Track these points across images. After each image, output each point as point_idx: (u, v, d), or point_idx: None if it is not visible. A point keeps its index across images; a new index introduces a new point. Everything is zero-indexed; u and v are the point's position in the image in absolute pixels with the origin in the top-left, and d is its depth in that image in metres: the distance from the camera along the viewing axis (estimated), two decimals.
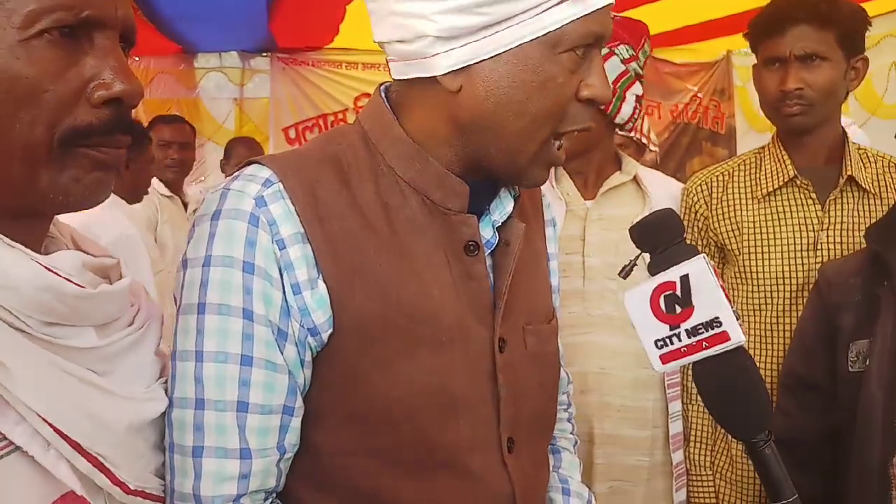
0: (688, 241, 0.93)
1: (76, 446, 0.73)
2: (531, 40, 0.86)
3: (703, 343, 0.88)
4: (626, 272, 0.95)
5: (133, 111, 0.80)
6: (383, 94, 0.99)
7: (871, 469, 1.35)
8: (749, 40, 1.81)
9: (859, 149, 1.77)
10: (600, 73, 0.91)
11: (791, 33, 1.66)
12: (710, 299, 0.87)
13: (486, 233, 0.98)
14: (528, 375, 1.00)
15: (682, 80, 6.25)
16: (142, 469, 0.83)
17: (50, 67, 0.72)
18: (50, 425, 0.72)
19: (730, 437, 1.77)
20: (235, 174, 0.93)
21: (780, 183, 1.73)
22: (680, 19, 4.95)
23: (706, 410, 1.78)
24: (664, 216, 0.94)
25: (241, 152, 4.47)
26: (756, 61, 1.80)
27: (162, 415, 0.86)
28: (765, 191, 1.75)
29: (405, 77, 0.94)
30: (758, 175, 1.79)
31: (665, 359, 0.91)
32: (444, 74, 0.89)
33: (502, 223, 1.00)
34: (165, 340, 0.93)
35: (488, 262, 0.99)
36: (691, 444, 1.84)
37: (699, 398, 1.77)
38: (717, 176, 1.84)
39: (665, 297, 0.89)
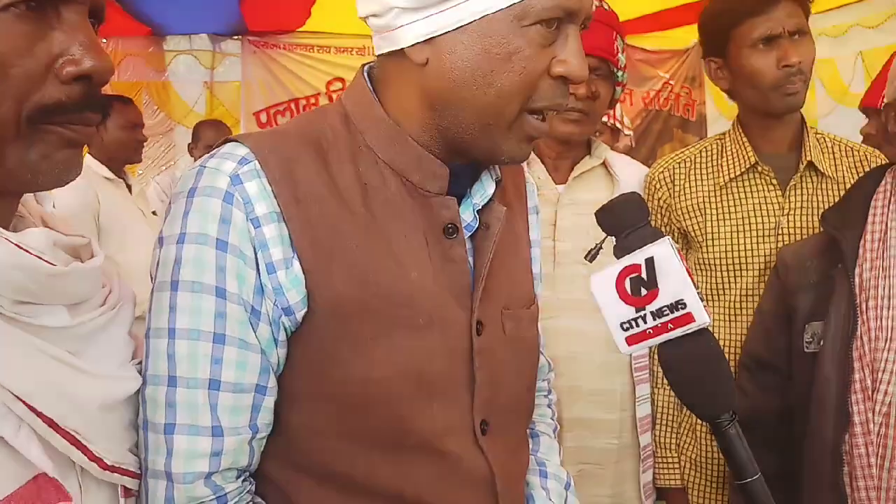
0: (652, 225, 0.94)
1: (50, 423, 0.73)
2: (496, 12, 0.86)
3: (669, 325, 0.88)
4: (591, 256, 0.96)
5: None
6: (366, 75, 0.99)
7: (824, 447, 1.39)
8: (720, 23, 1.76)
9: (817, 133, 1.80)
10: (575, 51, 0.89)
11: (779, 10, 1.65)
12: (675, 281, 0.88)
13: (467, 216, 0.98)
14: (505, 359, 1.00)
15: (653, 67, 6.28)
16: (117, 446, 0.83)
17: (17, 42, 0.70)
18: (24, 403, 0.71)
19: (694, 419, 1.80)
20: (212, 151, 0.92)
21: (742, 169, 1.75)
22: (651, 5, 4.97)
23: (672, 393, 1.81)
24: (629, 200, 0.95)
25: (209, 135, 4.43)
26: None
27: (135, 394, 0.86)
28: (727, 177, 1.77)
29: (381, 52, 0.94)
30: (720, 161, 1.80)
31: (631, 341, 0.92)
32: (411, 46, 0.89)
33: (483, 206, 1.00)
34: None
35: (468, 245, 0.98)
36: (657, 426, 1.86)
37: (666, 383, 1.81)
38: (679, 163, 1.85)
39: (631, 279, 0.90)
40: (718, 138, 1.86)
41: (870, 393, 1.34)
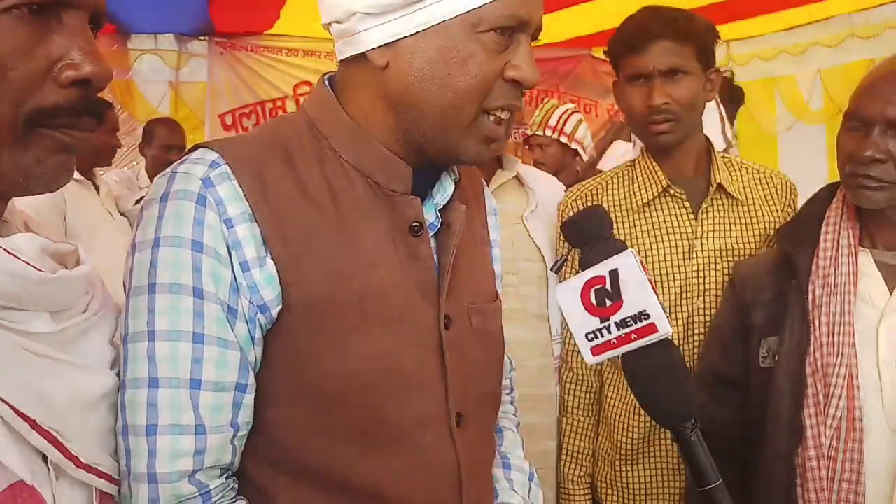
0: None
1: (32, 423, 0.73)
2: (452, 18, 0.90)
3: (633, 335, 0.91)
4: (557, 267, 0.98)
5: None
6: (327, 84, 1.03)
7: (778, 460, 1.42)
8: (609, 57, 1.81)
9: (723, 156, 1.82)
10: (527, 57, 0.94)
11: (653, 49, 1.67)
12: (638, 293, 0.90)
13: (430, 216, 1.02)
14: (474, 352, 1.04)
15: None
16: (96, 447, 0.83)
17: (17, 45, 0.70)
18: (7, 404, 0.71)
19: (609, 445, 1.80)
20: (182, 158, 0.94)
21: (655, 194, 1.76)
22: (616, 18, 5.03)
23: (578, 427, 1.84)
24: (593, 214, 0.97)
25: (161, 133, 4.32)
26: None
27: (113, 393, 0.87)
28: (640, 202, 1.77)
29: (344, 57, 0.98)
30: (632, 187, 1.81)
31: (596, 351, 0.94)
32: (373, 50, 0.93)
33: (444, 206, 1.03)
34: None
35: (432, 243, 1.02)
36: (563, 457, 1.86)
37: (574, 412, 1.85)
38: (590, 190, 1.86)
39: (595, 290, 0.93)
40: (629, 165, 1.87)
41: (822, 407, 1.37)
